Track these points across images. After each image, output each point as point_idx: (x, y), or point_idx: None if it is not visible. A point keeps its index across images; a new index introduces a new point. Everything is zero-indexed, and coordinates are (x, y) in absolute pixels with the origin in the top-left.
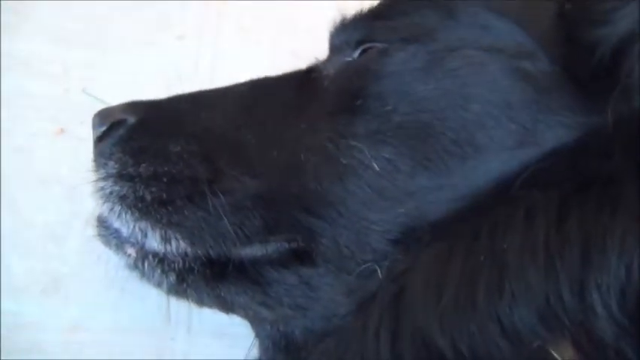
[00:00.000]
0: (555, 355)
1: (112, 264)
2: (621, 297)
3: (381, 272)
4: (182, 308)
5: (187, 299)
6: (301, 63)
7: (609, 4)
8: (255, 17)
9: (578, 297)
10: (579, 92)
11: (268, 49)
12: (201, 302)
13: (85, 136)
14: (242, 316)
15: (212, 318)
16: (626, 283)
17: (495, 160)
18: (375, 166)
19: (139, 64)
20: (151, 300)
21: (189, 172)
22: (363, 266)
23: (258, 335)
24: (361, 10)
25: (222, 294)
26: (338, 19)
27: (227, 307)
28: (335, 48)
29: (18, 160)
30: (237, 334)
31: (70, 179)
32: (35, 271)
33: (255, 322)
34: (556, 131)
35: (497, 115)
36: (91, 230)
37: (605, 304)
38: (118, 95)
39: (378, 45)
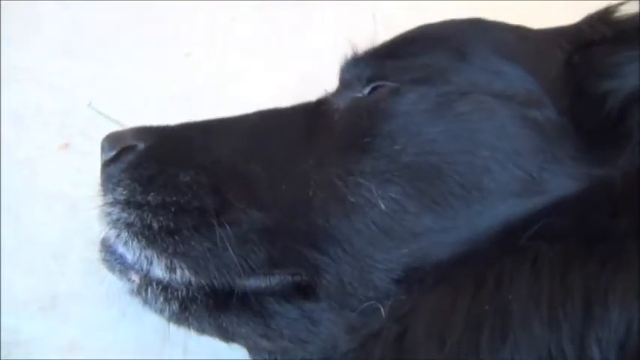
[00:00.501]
0: None
1: (111, 284)
2: (620, 351)
3: (384, 311)
4: (179, 330)
5: (188, 327)
6: (307, 86)
7: (617, 58)
8: (263, 38)
9: (579, 349)
10: (585, 143)
11: (274, 71)
12: (202, 331)
13: (90, 150)
14: (241, 345)
15: (208, 341)
16: (625, 339)
17: (501, 206)
18: (382, 205)
19: (145, 80)
20: (148, 321)
21: (197, 202)
22: (366, 304)
23: None
24: (373, 47)
25: (224, 324)
26: (349, 53)
27: (228, 337)
28: (345, 82)
29: (21, 174)
30: (234, 357)
31: (72, 195)
32: (35, 287)
33: (254, 351)
34: (561, 180)
35: (505, 162)
36: (93, 250)
37: (605, 358)
38: (123, 110)
39: (389, 84)
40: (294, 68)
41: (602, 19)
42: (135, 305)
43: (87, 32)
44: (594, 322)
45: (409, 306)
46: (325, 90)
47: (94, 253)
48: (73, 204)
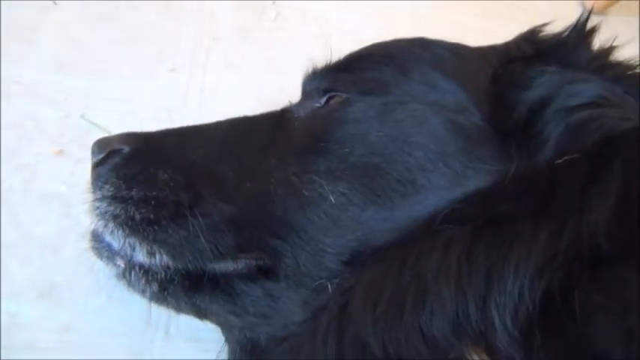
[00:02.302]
0: None
1: (101, 274)
2: (514, 314)
3: (331, 287)
4: (161, 314)
5: (167, 306)
6: (283, 99)
7: (530, 73)
8: (243, 54)
9: (481, 313)
10: (502, 145)
11: (255, 85)
12: (179, 309)
13: (82, 157)
14: (214, 322)
15: (188, 324)
16: (518, 303)
17: (431, 199)
18: (332, 198)
19: (133, 94)
20: (134, 306)
21: (173, 197)
22: (318, 282)
23: (227, 340)
24: (329, 62)
25: (198, 302)
26: (310, 68)
27: (201, 314)
28: (306, 93)
29: (20, 177)
30: (210, 339)
31: (67, 196)
32: (33, 277)
33: (225, 328)
34: (480, 177)
35: (435, 161)
36: (85, 243)
37: (502, 320)
38: (113, 121)
39: (341, 94)
40: (270, 83)
41: (527, 38)
42: (121, 292)
43: (80, 50)
44: (493, 290)
45: (351, 282)
46: (289, 101)
47: (86, 246)
48: (68, 204)
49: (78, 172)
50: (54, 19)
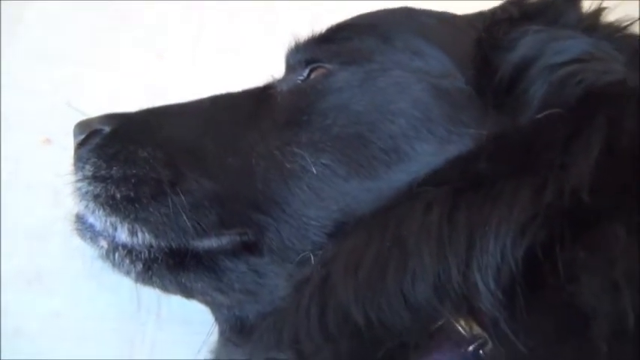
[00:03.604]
0: (459, 327)
1: (89, 260)
2: (497, 274)
3: (313, 259)
4: (152, 298)
5: (153, 286)
6: None
7: (514, 34)
8: (231, 40)
9: (463, 275)
10: (485, 108)
11: (245, 70)
12: (165, 289)
13: (69, 146)
14: (201, 301)
15: (179, 306)
16: (500, 263)
17: (415, 167)
18: (314, 170)
19: (120, 81)
20: (123, 291)
21: (154, 174)
22: (302, 255)
23: (216, 320)
24: (312, 35)
25: (183, 281)
26: (293, 41)
27: (188, 292)
28: (290, 66)
29: (7, 167)
30: (202, 322)
31: (54, 185)
32: (21, 265)
33: (214, 307)
34: (465, 142)
35: (419, 128)
36: (70, 228)
37: (485, 281)
38: (101, 109)
39: (324, 64)
40: (261, 68)
41: (514, 1)
42: (111, 277)
43: (66, 38)
44: (475, 251)
45: (332, 252)
46: (272, 76)
47: (70, 230)
48: (55, 192)
49: (65, 160)
50: (38, 8)
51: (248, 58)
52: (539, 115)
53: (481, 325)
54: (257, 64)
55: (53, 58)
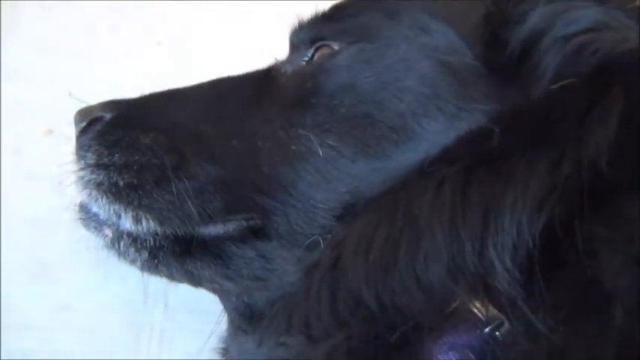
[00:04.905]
0: (474, 309)
1: (95, 250)
2: (514, 252)
3: (322, 243)
4: (159, 287)
5: (160, 275)
6: None
7: (523, 6)
8: (232, 28)
9: (478, 254)
10: (496, 83)
11: (245, 55)
12: (172, 277)
13: (71, 136)
14: (210, 289)
15: (187, 295)
16: (517, 240)
17: (424, 145)
18: (320, 152)
19: (120, 69)
20: (131, 281)
21: (157, 160)
22: (310, 239)
23: (225, 308)
24: (316, 13)
25: (190, 268)
26: (296, 21)
27: (195, 280)
28: (294, 46)
29: (9, 158)
30: (211, 311)
31: (57, 175)
32: (26, 257)
33: (223, 295)
34: (475, 116)
35: (427, 105)
36: (74, 217)
37: (501, 260)
38: (102, 98)
39: (329, 42)
40: (262, 53)
41: None
42: (118, 267)
43: (65, 27)
44: (490, 229)
45: (342, 235)
46: (275, 58)
47: (75, 220)
48: (58, 182)
49: (67, 150)
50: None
51: (248, 43)
52: (554, 86)
53: (497, 306)
54: (258, 49)
55: (53, 49)
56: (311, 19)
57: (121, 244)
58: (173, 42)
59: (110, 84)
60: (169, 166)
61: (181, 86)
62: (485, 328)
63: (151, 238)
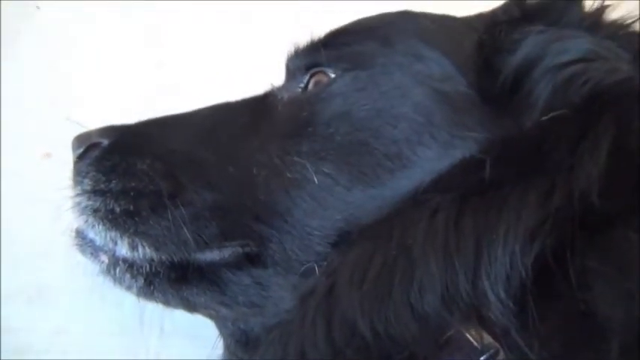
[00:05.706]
0: (470, 337)
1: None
2: (507, 283)
3: (317, 270)
4: (155, 312)
5: (155, 301)
6: None
7: (516, 35)
8: (229, 50)
9: (472, 284)
10: (489, 111)
11: (245, 79)
12: (167, 303)
13: (70, 159)
14: (206, 315)
15: (183, 320)
16: (510, 271)
17: (419, 173)
18: (316, 179)
19: (120, 93)
20: (126, 305)
21: (153, 187)
22: (306, 266)
23: (221, 334)
24: (312, 40)
25: (186, 295)
26: (293, 48)
27: (191, 307)
28: (290, 72)
29: (8, 181)
30: (206, 336)
31: (55, 199)
32: (23, 281)
33: (219, 321)
34: (468, 146)
35: (421, 132)
36: (71, 243)
37: (494, 290)
38: (101, 122)
39: (324, 69)
40: (260, 76)
41: (515, 2)
42: (114, 292)
43: (64, 51)
44: (483, 259)
45: (337, 263)
46: (271, 84)
47: (71, 246)
48: (57, 207)
49: (66, 174)
50: (36, 23)
51: (248, 66)
52: (545, 117)
53: (492, 334)
54: (257, 72)
55: (52, 72)
56: (306, 46)
57: (117, 270)
58: (173, 65)
59: (109, 107)
60: (165, 193)
61: (180, 110)
62: (481, 356)
63: (147, 265)
